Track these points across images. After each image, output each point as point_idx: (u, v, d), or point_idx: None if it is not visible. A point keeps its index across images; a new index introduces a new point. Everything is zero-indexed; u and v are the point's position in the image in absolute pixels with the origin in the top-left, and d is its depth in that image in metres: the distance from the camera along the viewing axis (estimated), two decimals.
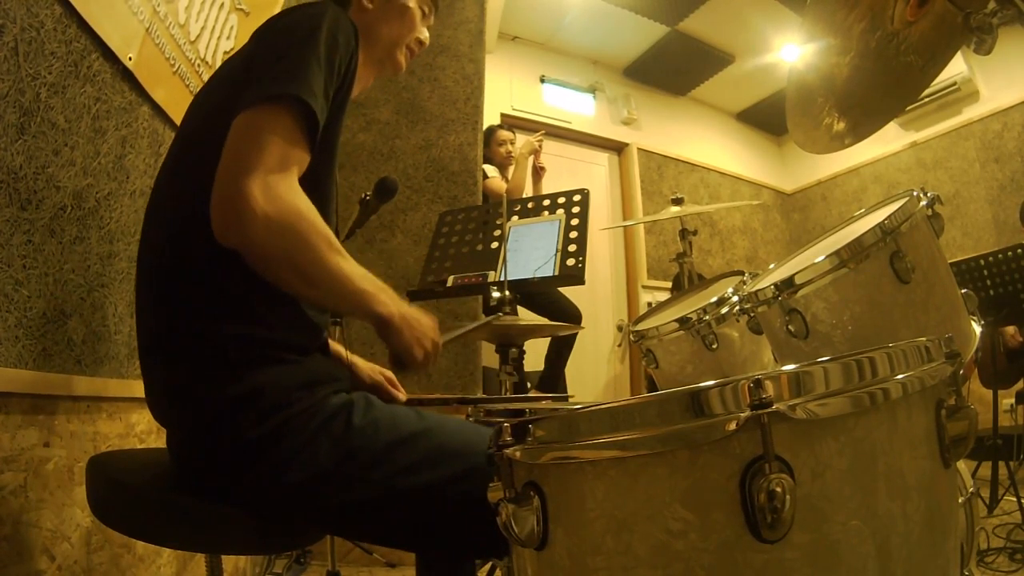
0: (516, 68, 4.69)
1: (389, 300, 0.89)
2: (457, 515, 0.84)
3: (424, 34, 1.18)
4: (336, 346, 1.13)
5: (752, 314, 1.25)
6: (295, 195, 0.80)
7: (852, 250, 1.03)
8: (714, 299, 1.57)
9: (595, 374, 4.55)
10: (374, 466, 0.84)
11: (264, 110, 0.81)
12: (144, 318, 0.91)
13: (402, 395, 1.19)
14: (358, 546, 2.29)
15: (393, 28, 1.12)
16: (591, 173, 4.92)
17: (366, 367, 1.18)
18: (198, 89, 1.51)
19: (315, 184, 0.87)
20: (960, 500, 1.05)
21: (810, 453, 0.53)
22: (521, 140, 3.46)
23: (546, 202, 1.77)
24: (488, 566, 1.85)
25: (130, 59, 1.24)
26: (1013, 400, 2.97)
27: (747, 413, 0.51)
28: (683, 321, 1.60)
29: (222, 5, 1.63)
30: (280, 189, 0.78)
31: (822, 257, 1.06)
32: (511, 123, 3.96)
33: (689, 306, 1.68)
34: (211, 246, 0.84)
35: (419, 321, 0.94)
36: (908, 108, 4.11)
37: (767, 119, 5.62)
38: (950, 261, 1.18)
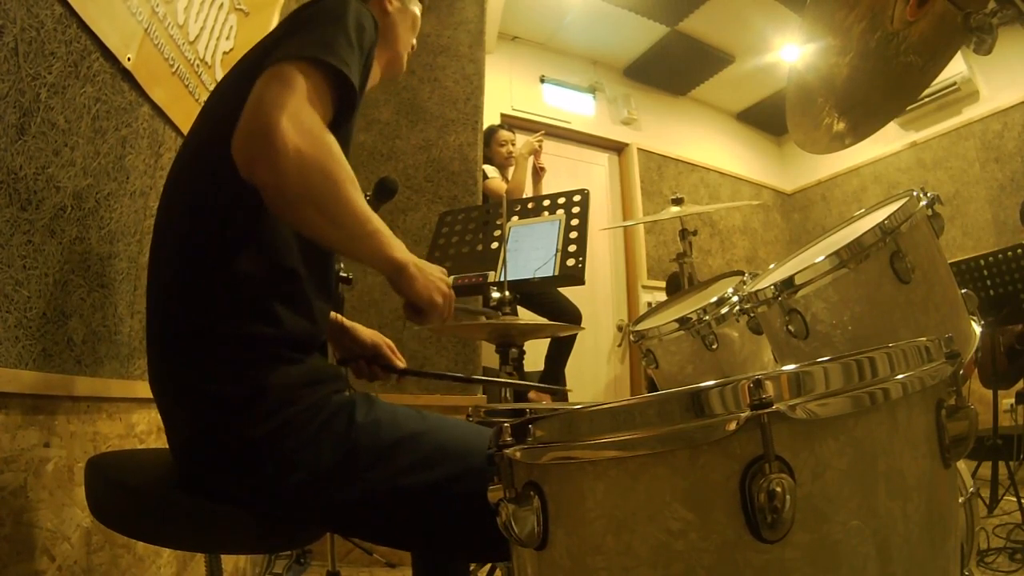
0: (516, 68, 4.68)
1: (403, 246, 0.89)
2: (457, 515, 0.84)
3: (414, 42, 1.24)
4: (334, 316, 1.14)
5: (752, 314, 1.25)
6: (324, 130, 0.78)
7: (852, 250, 1.03)
8: (714, 299, 1.57)
9: (595, 374, 4.55)
10: (375, 465, 0.84)
11: (293, 64, 0.78)
12: (152, 315, 0.91)
13: (401, 362, 1.19)
14: (358, 546, 2.29)
15: (405, 35, 1.17)
16: (591, 173, 4.92)
17: (367, 332, 1.19)
18: (197, 89, 1.52)
19: None
20: (960, 500, 1.05)
21: (810, 453, 0.53)
22: (521, 140, 3.46)
23: (546, 202, 1.77)
24: (488, 565, 1.85)
25: (129, 59, 1.24)
26: (1013, 400, 2.96)
27: (747, 413, 0.51)
28: (683, 321, 1.60)
29: (221, 5, 1.63)
30: (311, 123, 0.76)
31: (822, 257, 1.06)
32: (511, 123, 3.96)
33: (689, 306, 1.68)
34: (217, 244, 0.84)
35: (431, 269, 0.93)
36: (908, 108, 4.11)
37: (767, 119, 5.62)
38: (950, 261, 1.18)
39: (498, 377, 1.53)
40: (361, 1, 0.94)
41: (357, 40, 0.85)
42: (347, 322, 1.18)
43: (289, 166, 0.73)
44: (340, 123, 0.84)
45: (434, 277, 0.93)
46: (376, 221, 0.84)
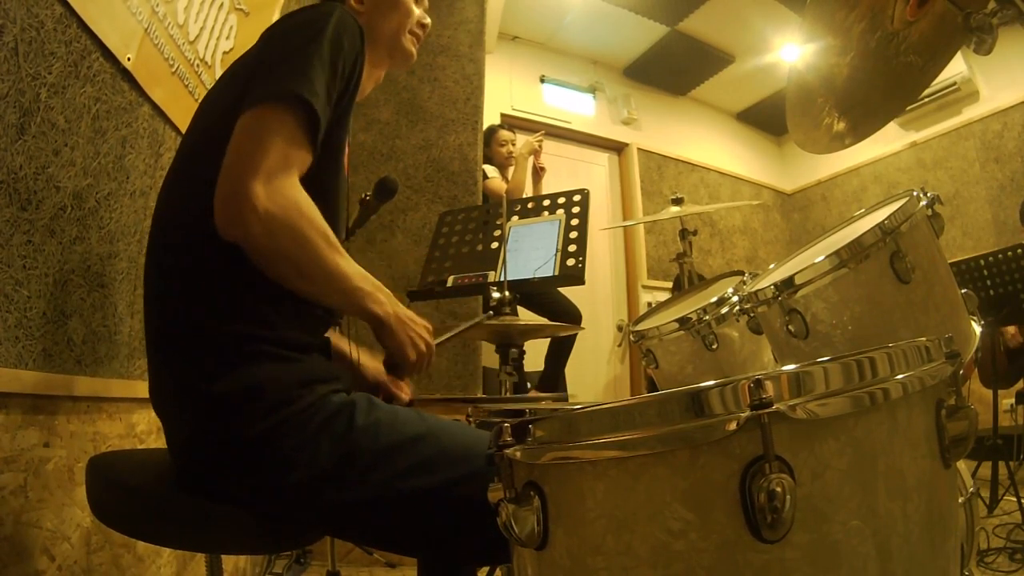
0: (516, 68, 4.68)
1: (385, 299, 0.91)
2: (457, 519, 0.84)
3: (425, 18, 1.18)
4: (341, 341, 1.13)
5: (752, 314, 1.25)
6: (296, 192, 0.82)
7: (852, 250, 1.03)
8: (714, 299, 1.57)
9: (595, 374, 4.55)
10: (375, 468, 0.84)
11: (267, 109, 0.83)
12: (149, 315, 0.92)
13: (405, 396, 1.18)
14: (358, 546, 2.29)
15: (390, 20, 1.12)
16: (591, 173, 4.92)
17: (371, 365, 1.18)
18: (196, 89, 1.52)
19: (320, 190, 0.87)
20: (960, 500, 1.05)
21: (810, 453, 0.53)
22: (521, 140, 3.46)
23: (546, 202, 1.77)
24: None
25: (128, 59, 1.24)
26: (1013, 400, 2.97)
27: (747, 413, 0.51)
28: (683, 321, 1.60)
29: (221, 5, 1.63)
30: (281, 187, 0.80)
31: (822, 257, 1.06)
32: (511, 123, 3.96)
33: (689, 306, 1.68)
34: (213, 245, 0.85)
35: (414, 322, 0.96)
36: (908, 108, 4.11)
37: (767, 119, 5.62)
38: (950, 261, 1.18)
39: (497, 377, 1.53)
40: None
41: (331, 60, 0.86)
42: (353, 352, 1.16)
43: (258, 230, 0.79)
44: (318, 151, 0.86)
45: (415, 332, 0.95)
46: (354, 278, 0.87)
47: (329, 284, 0.86)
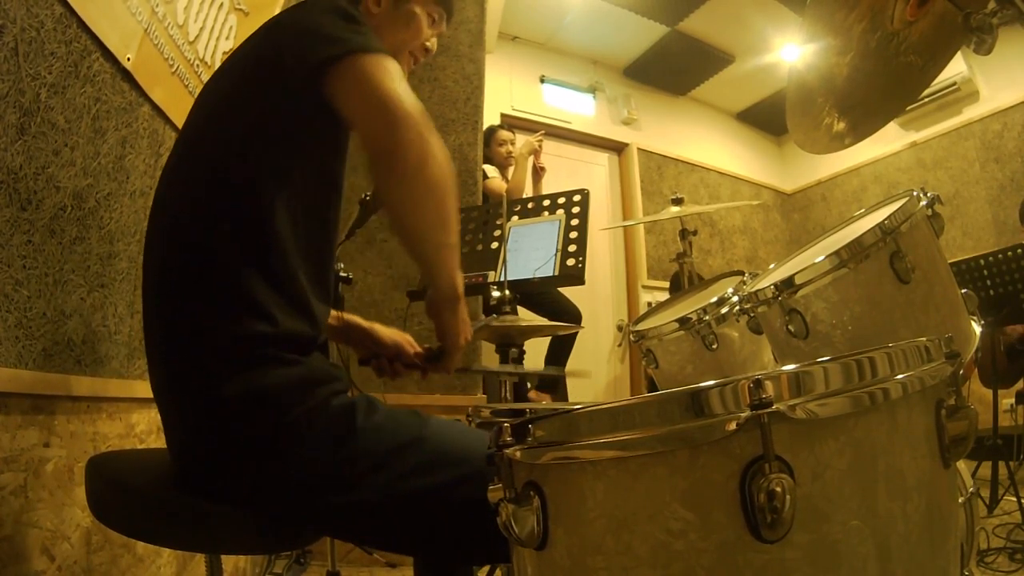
0: (516, 68, 4.68)
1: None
2: (457, 520, 0.84)
3: (431, 41, 1.16)
4: (352, 318, 1.14)
5: (752, 314, 1.25)
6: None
7: (852, 250, 1.03)
8: (714, 299, 1.57)
9: (595, 374, 4.55)
10: (375, 469, 0.84)
11: (356, 58, 0.82)
12: (149, 317, 0.91)
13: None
14: (358, 546, 2.29)
15: (398, 34, 1.10)
16: (591, 173, 4.92)
17: (387, 332, 1.19)
18: (196, 89, 1.52)
19: (330, 178, 0.87)
20: (960, 500, 1.05)
21: (810, 453, 0.53)
22: (521, 140, 3.46)
23: (546, 202, 1.77)
24: (488, 566, 1.85)
25: (128, 59, 1.24)
26: (1013, 400, 2.96)
27: (747, 413, 0.51)
28: (683, 321, 1.60)
29: (221, 5, 1.63)
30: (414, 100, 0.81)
31: (822, 257, 1.06)
32: (511, 123, 3.96)
33: (689, 306, 1.68)
34: (213, 245, 0.85)
35: (466, 311, 0.97)
36: (908, 108, 4.10)
37: (767, 119, 5.62)
38: (950, 261, 1.18)
39: (497, 377, 1.53)
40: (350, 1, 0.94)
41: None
42: (366, 323, 1.18)
43: (408, 132, 0.81)
44: None
45: (466, 321, 0.96)
46: (457, 233, 0.88)
47: (446, 228, 0.86)
